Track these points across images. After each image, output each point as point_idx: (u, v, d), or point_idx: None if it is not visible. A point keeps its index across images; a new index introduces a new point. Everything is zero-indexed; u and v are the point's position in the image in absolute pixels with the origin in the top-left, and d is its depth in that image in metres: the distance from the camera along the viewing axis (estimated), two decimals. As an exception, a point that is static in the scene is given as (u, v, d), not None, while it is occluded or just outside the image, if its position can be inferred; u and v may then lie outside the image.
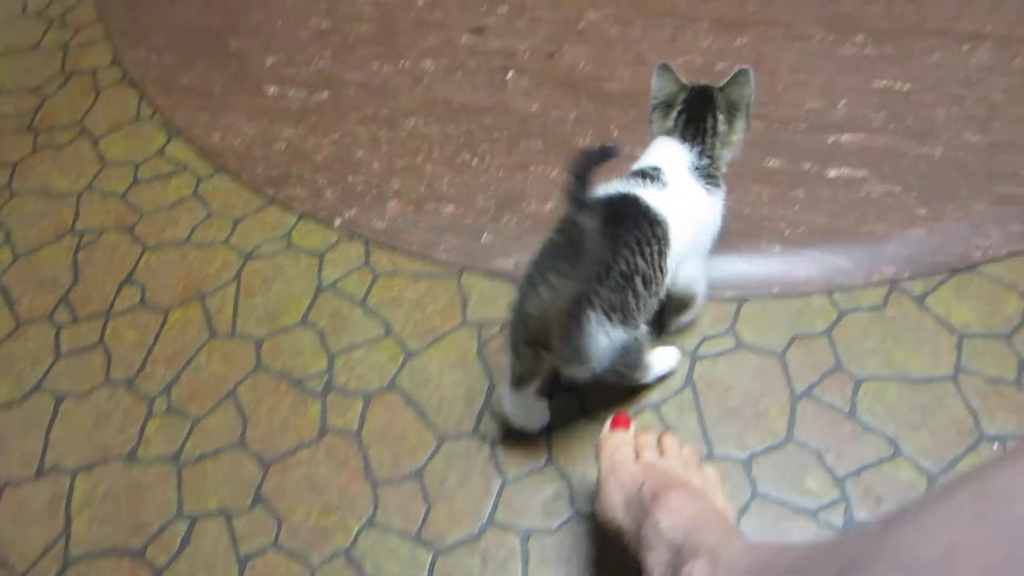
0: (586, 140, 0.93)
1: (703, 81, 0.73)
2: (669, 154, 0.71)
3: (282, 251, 0.90)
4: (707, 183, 0.70)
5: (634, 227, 0.64)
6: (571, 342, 0.63)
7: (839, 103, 0.94)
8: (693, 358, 0.78)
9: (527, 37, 1.04)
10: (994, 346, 0.76)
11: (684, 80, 0.73)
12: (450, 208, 0.90)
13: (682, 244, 0.68)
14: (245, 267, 0.90)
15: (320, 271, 0.88)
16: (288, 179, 0.95)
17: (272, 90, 1.03)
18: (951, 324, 0.77)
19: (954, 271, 0.81)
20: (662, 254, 0.66)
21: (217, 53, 1.08)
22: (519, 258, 0.85)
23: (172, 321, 0.87)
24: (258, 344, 0.84)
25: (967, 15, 1.01)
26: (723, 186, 0.72)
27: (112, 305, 0.89)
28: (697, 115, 0.72)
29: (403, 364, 0.80)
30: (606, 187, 0.68)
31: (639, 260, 0.64)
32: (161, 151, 1.01)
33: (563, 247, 0.62)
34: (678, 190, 0.69)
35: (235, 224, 0.94)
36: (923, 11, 1.02)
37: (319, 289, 0.87)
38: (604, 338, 0.63)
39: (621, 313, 0.63)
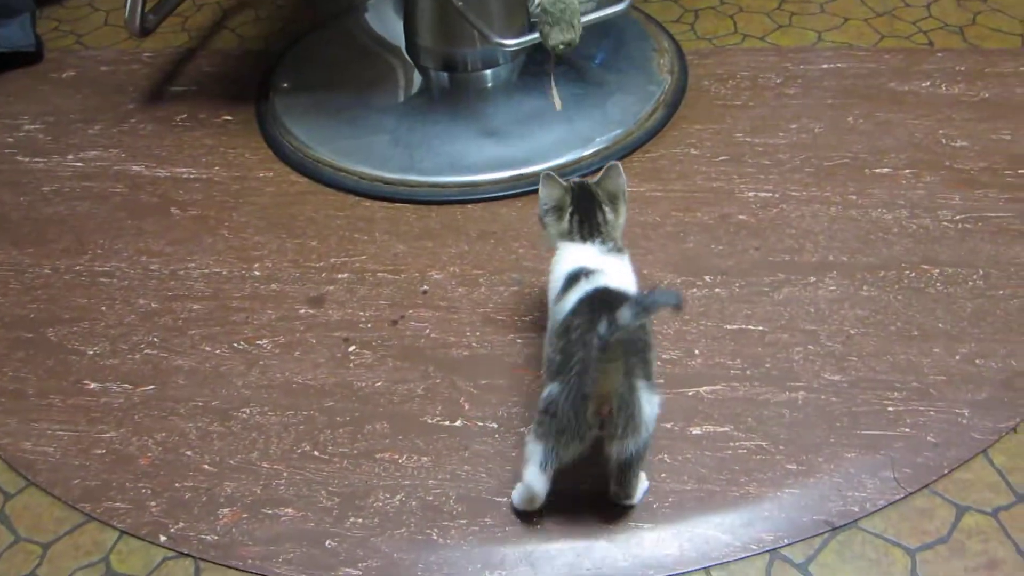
0: (435, 417, 0.86)
1: (577, 179, 0.85)
2: (579, 254, 0.80)
3: (98, 580, 0.78)
4: (617, 254, 0.82)
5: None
6: (630, 410, 0.70)
7: (695, 351, 0.90)
8: None
9: (369, 305, 0.99)
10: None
11: (563, 182, 0.83)
12: (289, 511, 0.80)
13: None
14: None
15: (140, 602, 0.76)
16: (108, 490, 0.85)
17: (93, 385, 0.94)
18: (840, 598, 0.71)
19: (834, 529, 0.76)
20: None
21: (34, 346, 0.99)
22: (368, 565, 0.75)
23: None
24: None
25: (809, 245, 1.01)
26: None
27: None
28: (587, 213, 0.82)
29: None
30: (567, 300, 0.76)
31: (646, 328, 0.75)
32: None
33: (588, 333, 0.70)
34: (611, 271, 0.79)
35: (45, 550, 0.82)
36: (766, 244, 1.02)
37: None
38: (647, 404, 0.71)
39: (649, 379, 0.72)
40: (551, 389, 0.72)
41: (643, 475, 0.78)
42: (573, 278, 0.78)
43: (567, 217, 0.82)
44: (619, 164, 0.84)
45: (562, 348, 0.73)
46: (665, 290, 0.85)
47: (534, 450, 0.73)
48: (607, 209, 0.83)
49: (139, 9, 1.22)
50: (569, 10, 1.01)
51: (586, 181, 0.85)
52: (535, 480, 0.74)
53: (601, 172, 0.84)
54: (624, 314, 0.66)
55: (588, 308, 0.73)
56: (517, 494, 0.78)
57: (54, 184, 1.22)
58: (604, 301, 0.73)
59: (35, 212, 1.18)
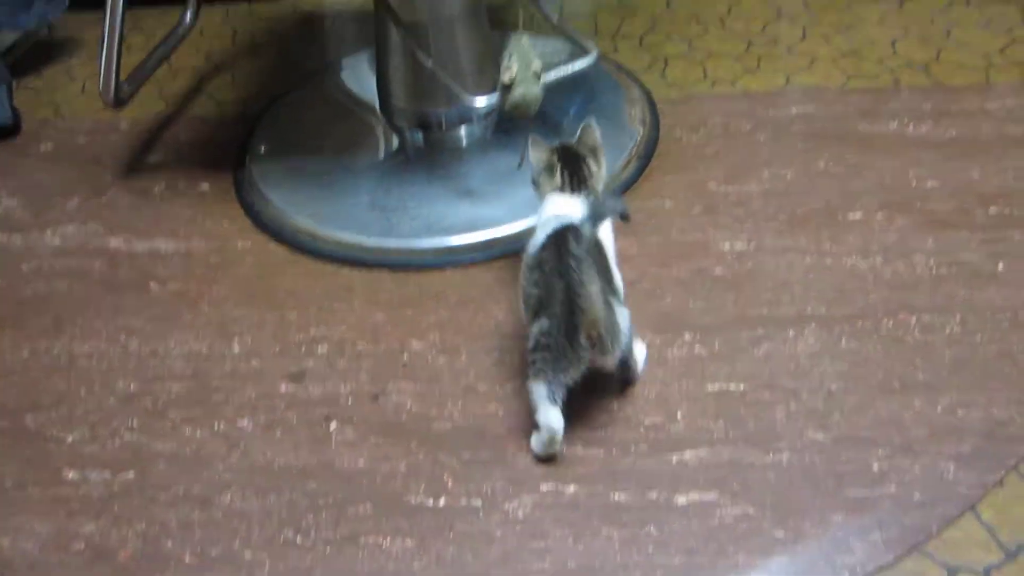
0: (418, 496, 0.86)
1: (558, 141, 0.96)
2: (565, 204, 0.90)
3: None
4: None
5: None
6: (613, 328, 0.82)
7: (677, 414, 0.90)
8: None
9: (349, 379, 0.98)
10: None
11: (548, 144, 0.95)
12: (274, 604, 0.79)
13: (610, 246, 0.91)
14: None
15: None
16: (88, 585, 0.83)
17: (72, 474, 0.93)
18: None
19: (826, 597, 0.75)
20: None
21: (11, 435, 0.98)
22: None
23: None
24: None
25: (786, 297, 1.02)
26: None
27: None
28: (575, 168, 0.94)
29: None
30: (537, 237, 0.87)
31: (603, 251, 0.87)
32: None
33: (561, 262, 0.81)
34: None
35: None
36: (743, 298, 1.02)
37: None
38: (622, 319, 0.84)
39: (617, 297, 0.86)
40: (541, 325, 0.82)
41: (637, 346, 0.90)
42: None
43: (558, 173, 0.93)
44: (592, 122, 0.95)
45: (537, 281, 0.84)
46: (613, 200, 0.96)
47: (538, 389, 0.83)
48: (591, 162, 0.94)
49: (113, 80, 1.22)
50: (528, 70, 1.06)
51: (567, 141, 0.96)
52: (550, 417, 0.83)
53: (578, 133, 0.96)
54: (585, 227, 0.82)
55: (554, 243, 0.83)
56: (537, 441, 0.86)
57: (32, 262, 1.22)
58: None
59: (12, 292, 1.17)
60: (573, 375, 0.83)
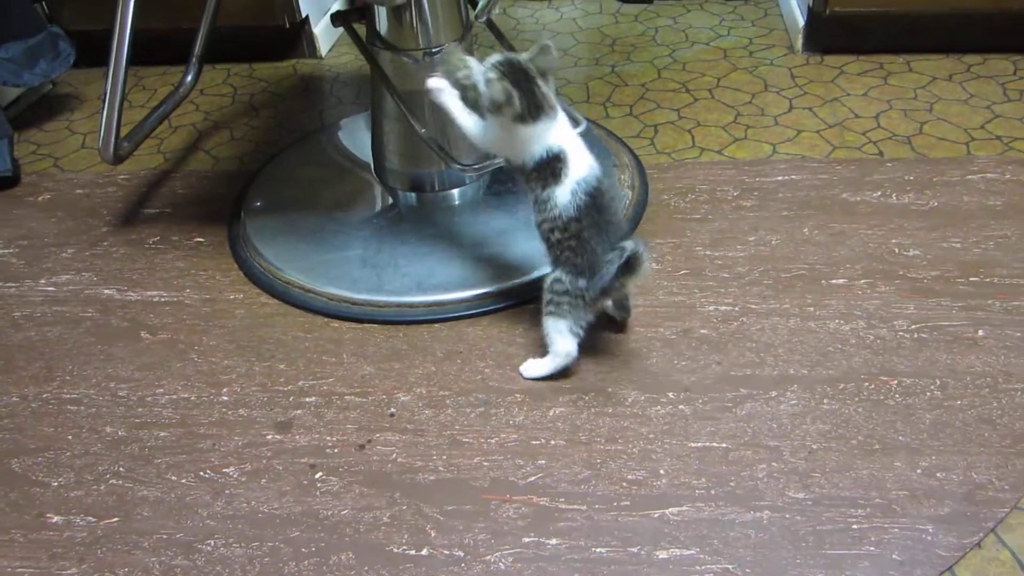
0: (401, 547, 0.86)
1: (499, 57, 0.91)
2: (542, 133, 0.93)
3: None
4: (570, 125, 0.95)
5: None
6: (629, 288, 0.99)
7: (660, 470, 0.91)
8: None
9: (336, 430, 0.99)
10: None
11: (501, 71, 0.89)
12: (252, 650, 0.79)
13: None
14: None
15: None
16: (67, 631, 0.82)
17: (56, 519, 0.93)
18: None
19: (806, 655, 0.74)
20: None
21: (-3, 479, 0.97)
22: None
23: None
24: None
25: (769, 359, 1.03)
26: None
27: None
28: (530, 93, 0.90)
29: None
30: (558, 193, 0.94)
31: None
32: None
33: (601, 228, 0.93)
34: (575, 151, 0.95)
35: None
36: (728, 359, 1.04)
37: None
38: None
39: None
40: (574, 281, 0.94)
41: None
42: (553, 160, 0.92)
43: (516, 101, 0.89)
44: (551, 44, 0.92)
45: (573, 247, 0.93)
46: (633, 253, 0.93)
47: (558, 325, 0.96)
48: (541, 83, 0.91)
49: (113, 138, 1.25)
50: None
51: (514, 58, 0.92)
52: (570, 347, 0.98)
53: (533, 49, 0.92)
54: (603, 181, 0.93)
55: (589, 209, 0.92)
56: (546, 364, 1.01)
57: (25, 309, 1.23)
58: (598, 205, 0.92)
59: (5, 338, 1.18)
60: (590, 319, 0.96)
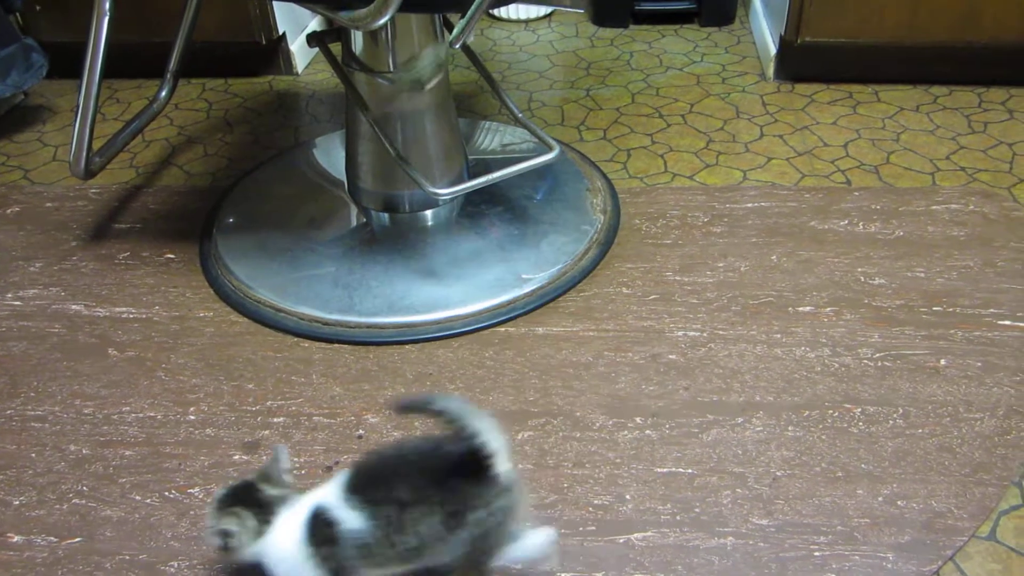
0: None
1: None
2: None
3: None
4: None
5: None
6: None
7: (626, 496, 0.91)
8: None
9: (303, 451, 0.98)
10: None
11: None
12: (213, 674, 0.78)
13: None
14: None
15: None
16: (24, 653, 0.81)
17: (16, 539, 0.92)
18: None
19: None
20: None
21: (-44, 498, 0.96)
22: None
23: None
24: None
25: (736, 385, 1.04)
26: None
27: None
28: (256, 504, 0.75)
29: None
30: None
31: None
32: None
33: None
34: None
35: None
36: (695, 385, 1.05)
37: None
38: None
39: None
40: None
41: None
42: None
43: (250, 520, 0.75)
44: (284, 448, 0.81)
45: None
46: None
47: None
48: (263, 485, 0.77)
49: (84, 154, 1.25)
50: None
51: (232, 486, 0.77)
52: None
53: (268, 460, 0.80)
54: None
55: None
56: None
57: (-10, 324, 1.21)
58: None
59: (-32, 354, 1.17)
60: None
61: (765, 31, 1.88)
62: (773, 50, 1.78)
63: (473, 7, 0.88)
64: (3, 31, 1.59)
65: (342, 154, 1.41)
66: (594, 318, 1.16)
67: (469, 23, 0.88)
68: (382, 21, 0.89)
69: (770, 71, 1.80)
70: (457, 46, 0.90)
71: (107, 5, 1.15)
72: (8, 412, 1.07)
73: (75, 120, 1.22)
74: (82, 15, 1.77)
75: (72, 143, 1.24)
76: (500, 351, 1.11)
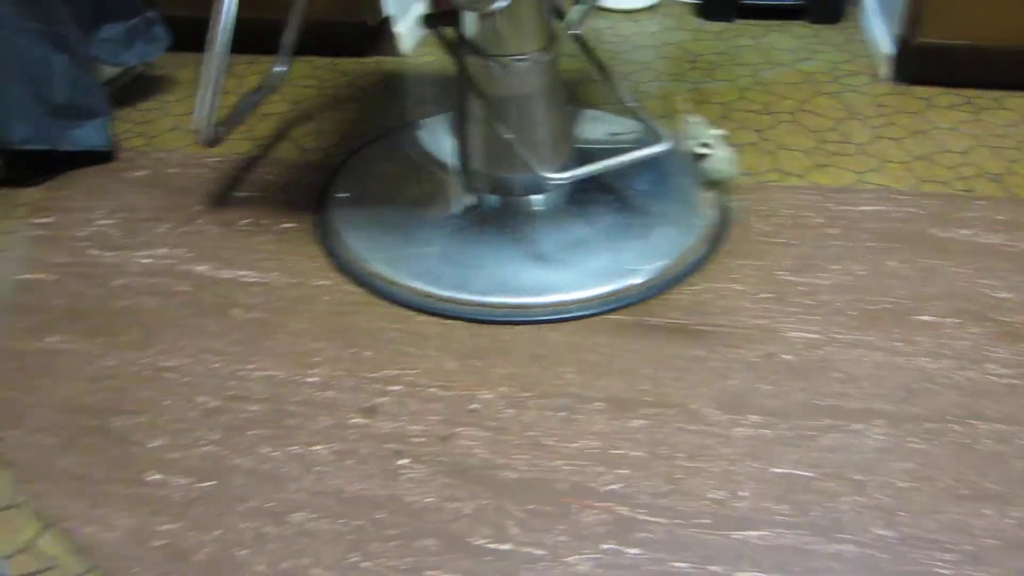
0: (483, 539, 0.88)
1: None
2: None
3: None
4: None
5: None
6: None
7: (740, 492, 0.92)
8: None
9: (419, 419, 1.01)
10: None
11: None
12: (336, 628, 0.81)
13: None
14: None
15: None
16: (159, 588, 0.86)
17: (154, 477, 0.96)
18: None
19: None
20: None
21: (100, 433, 1.02)
22: None
23: None
24: None
25: (854, 391, 1.03)
26: None
27: None
28: None
29: None
30: None
31: None
32: (32, 544, 0.91)
33: None
34: None
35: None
36: (812, 387, 1.04)
37: None
38: None
39: None
40: None
41: None
42: None
43: None
44: None
45: None
46: None
47: None
48: None
49: (209, 122, 1.29)
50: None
51: None
52: None
53: None
54: None
55: None
56: None
57: (124, 279, 1.27)
58: None
59: (105, 304, 1.22)
60: None
61: (878, 30, 1.84)
62: (887, 50, 1.74)
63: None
64: (129, 3, 1.65)
65: (446, 136, 1.43)
66: (705, 312, 1.16)
67: (588, 8, 0.88)
68: (502, 3, 0.89)
69: (883, 71, 1.76)
70: (574, 31, 0.91)
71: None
72: (143, 361, 1.12)
73: (202, 91, 1.26)
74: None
75: (198, 113, 1.28)
76: (611, 339, 1.12)
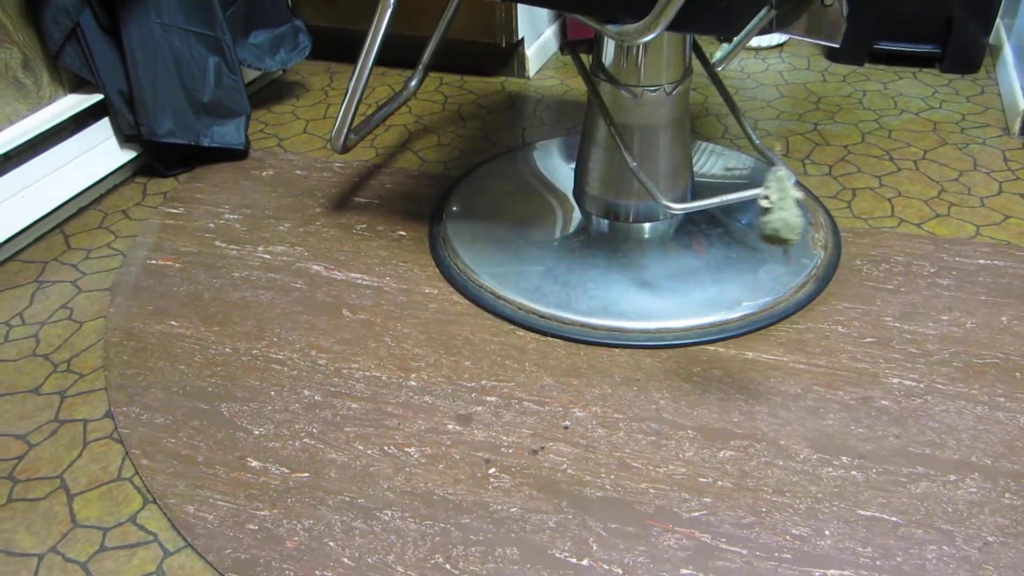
0: (563, 553, 0.90)
1: None
2: None
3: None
4: None
5: None
6: None
7: (825, 531, 0.91)
8: None
9: (512, 431, 1.04)
10: None
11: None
12: (415, 618, 0.85)
13: None
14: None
15: None
16: (255, 565, 0.91)
17: (255, 464, 1.02)
18: None
19: None
20: None
21: (207, 417, 1.08)
22: None
23: None
24: None
25: (951, 442, 1.01)
26: None
27: None
28: None
29: None
30: None
31: None
32: (134, 517, 0.99)
33: None
34: None
35: (189, 612, 0.89)
36: (907, 434, 1.03)
37: None
38: None
39: None
40: None
41: None
42: None
43: None
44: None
45: None
46: None
47: None
48: None
49: (345, 131, 1.36)
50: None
51: None
52: None
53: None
54: None
55: None
56: None
57: (243, 271, 1.35)
58: None
59: (224, 295, 1.31)
60: None
61: (1015, 83, 1.79)
62: (1022, 105, 1.69)
63: (743, 32, 0.90)
64: (278, 12, 1.76)
65: (561, 159, 1.47)
66: (806, 352, 1.15)
67: (737, 47, 0.91)
68: (649, 37, 0.93)
69: (1016, 126, 1.71)
70: (722, 68, 0.93)
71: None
72: (254, 352, 1.19)
73: (344, 99, 1.34)
74: (344, 4, 1.93)
75: (336, 119, 1.37)
76: (707, 369, 1.13)
